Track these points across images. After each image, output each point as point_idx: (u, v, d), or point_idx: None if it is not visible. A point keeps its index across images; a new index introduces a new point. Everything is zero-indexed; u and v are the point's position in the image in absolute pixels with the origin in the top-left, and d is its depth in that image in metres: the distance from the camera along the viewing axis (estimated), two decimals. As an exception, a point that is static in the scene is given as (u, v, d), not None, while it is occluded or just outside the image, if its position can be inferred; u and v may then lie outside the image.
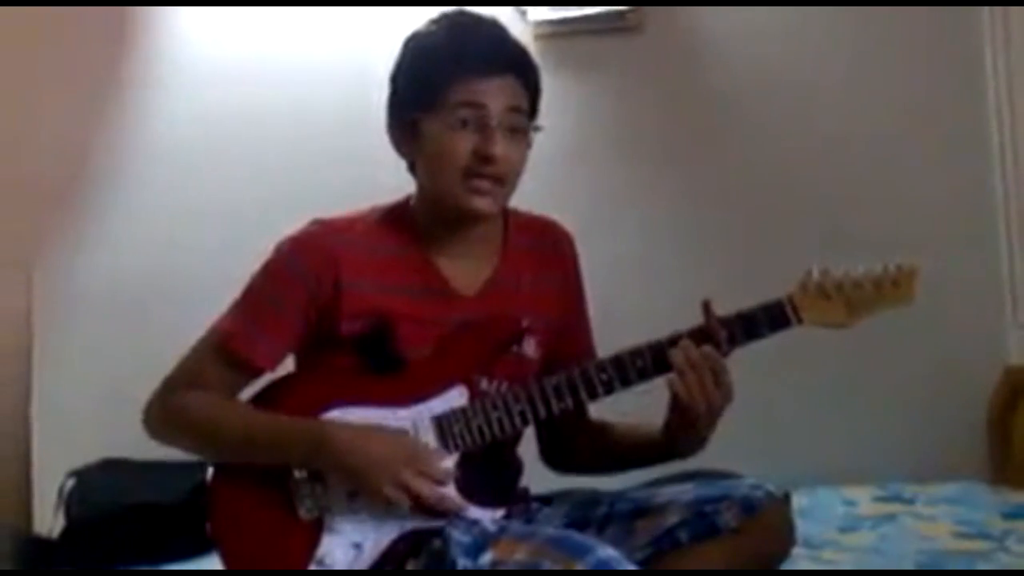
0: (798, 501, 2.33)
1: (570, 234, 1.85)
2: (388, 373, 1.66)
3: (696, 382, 1.58)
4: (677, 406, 1.60)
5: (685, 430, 1.62)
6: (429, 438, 1.63)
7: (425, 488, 1.58)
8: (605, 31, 2.98)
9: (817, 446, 2.86)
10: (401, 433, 1.62)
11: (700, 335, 1.61)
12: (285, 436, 1.63)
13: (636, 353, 1.62)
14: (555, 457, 1.87)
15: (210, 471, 1.68)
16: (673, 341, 1.61)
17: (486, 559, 1.52)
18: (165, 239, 2.99)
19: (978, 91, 2.93)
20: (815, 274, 1.64)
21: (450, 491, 1.61)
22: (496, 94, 1.63)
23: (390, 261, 1.69)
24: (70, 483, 2.69)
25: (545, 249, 1.81)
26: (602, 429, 1.83)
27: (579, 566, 1.42)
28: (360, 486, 1.60)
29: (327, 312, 1.65)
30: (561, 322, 1.79)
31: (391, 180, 1.75)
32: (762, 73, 2.98)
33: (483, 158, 1.62)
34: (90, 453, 2.78)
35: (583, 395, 1.63)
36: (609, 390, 1.63)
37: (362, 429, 1.61)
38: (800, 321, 1.63)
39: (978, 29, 2.92)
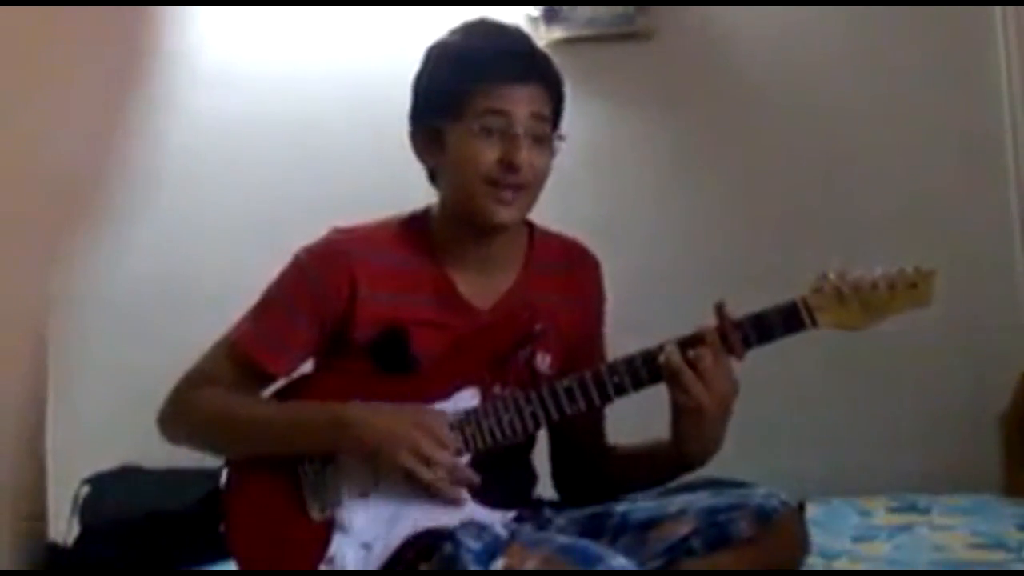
0: (812, 511, 2.31)
1: (598, 260, 1.82)
2: (401, 375, 1.66)
3: (691, 377, 1.56)
4: (677, 407, 1.59)
5: (695, 436, 1.61)
6: None
7: (440, 454, 1.58)
8: (616, 38, 2.98)
9: (831, 456, 2.84)
10: (415, 407, 1.62)
11: (711, 336, 1.60)
12: (301, 418, 1.64)
13: (648, 355, 1.61)
14: (569, 484, 1.83)
15: (223, 475, 1.69)
16: (685, 343, 1.60)
17: (497, 565, 1.51)
18: (183, 245, 2.99)
19: (993, 92, 2.92)
20: (831, 276, 1.61)
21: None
22: (521, 101, 1.62)
23: (406, 273, 1.69)
24: (85, 490, 2.69)
25: (570, 272, 1.78)
26: (616, 451, 1.81)
27: (592, 574, 1.42)
28: (378, 457, 1.59)
29: (341, 321, 1.66)
30: (576, 347, 1.75)
31: (412, 190, 1.74)
32: (775, 78, 2.98)
33: (508, 166, 1.60)
34: (105, 461, 2.78)
35: (595, 397, 1.62)
36: (621, 392, 1.62)
37: (377, 405, 1.61)
38: (815, 323, 1.60)
39: (992, 30, 2.91)
